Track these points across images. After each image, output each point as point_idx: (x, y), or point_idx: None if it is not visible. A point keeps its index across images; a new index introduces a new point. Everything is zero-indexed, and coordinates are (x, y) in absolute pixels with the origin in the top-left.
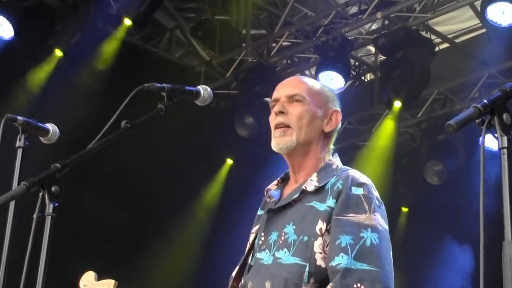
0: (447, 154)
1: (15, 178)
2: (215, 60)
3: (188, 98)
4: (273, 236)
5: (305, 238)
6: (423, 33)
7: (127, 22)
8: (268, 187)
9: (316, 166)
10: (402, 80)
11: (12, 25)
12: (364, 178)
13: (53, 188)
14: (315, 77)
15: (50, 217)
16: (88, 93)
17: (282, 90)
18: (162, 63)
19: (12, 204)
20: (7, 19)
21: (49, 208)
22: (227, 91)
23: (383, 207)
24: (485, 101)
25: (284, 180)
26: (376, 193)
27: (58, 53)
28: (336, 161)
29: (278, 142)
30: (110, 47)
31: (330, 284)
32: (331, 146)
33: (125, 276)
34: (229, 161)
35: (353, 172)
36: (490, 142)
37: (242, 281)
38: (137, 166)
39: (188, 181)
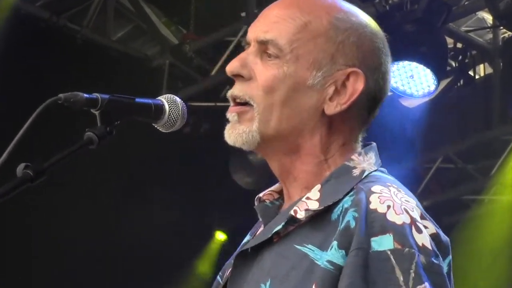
0: None
1: None
2: (190, 44)
3: (142, 119)
4: None
5: None
6: None
7: None
8: (261, 194)
9: (321, 172)
10: None
11: None
12: (395, 211)
13: None
14: None
15: None
16: None
17: (257, 25)
18: (89, 51)
19: None
20: None
21: None
22: (213, 104)
23: (441, 263)
24: None
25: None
26: (424, 235)
27: None
28: (363, 161)
29: (229, 134)
30: None
31: None
32: (358, 136)
33: None
34: (220, 236)
35: (377, 193)
36: None
37: None
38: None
39: (159, 271)
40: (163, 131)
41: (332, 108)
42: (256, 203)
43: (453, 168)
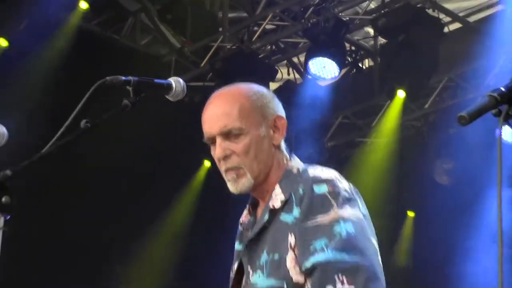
0: (459, 150)
1: None
2: (187, 47)
3: (158, 93)
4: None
5: (276, 255)
6: (430, 11)
7: (83, 5)
8: (241, 219)
9: (277, 176)
10: (406, 66)
11: None
12: (327, 173)
13: (3, 199)
14: (305, 65)
15: (1, 231)
16: (39, 89)
17: (212, 124)
18: (125, 52)
19: None
20: None
21: (0, 221)
22: (202, 83)
23: (355, 197)
24: (502, 88)
25: (255, 205)
26: (344, 184)
27: (3, 42)
28: (295, 163)
29: (235, 187)
30: (63, 35)
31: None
32: (283, 147)
33: None
34: (207, 163)
35: (313, 171)
36: (509, 135)
37: None
38: (102, 170)
39: (160, 187)
40: (172, 100)
41: (278, 140)
42: (239, 226)
43: (349, 122)
